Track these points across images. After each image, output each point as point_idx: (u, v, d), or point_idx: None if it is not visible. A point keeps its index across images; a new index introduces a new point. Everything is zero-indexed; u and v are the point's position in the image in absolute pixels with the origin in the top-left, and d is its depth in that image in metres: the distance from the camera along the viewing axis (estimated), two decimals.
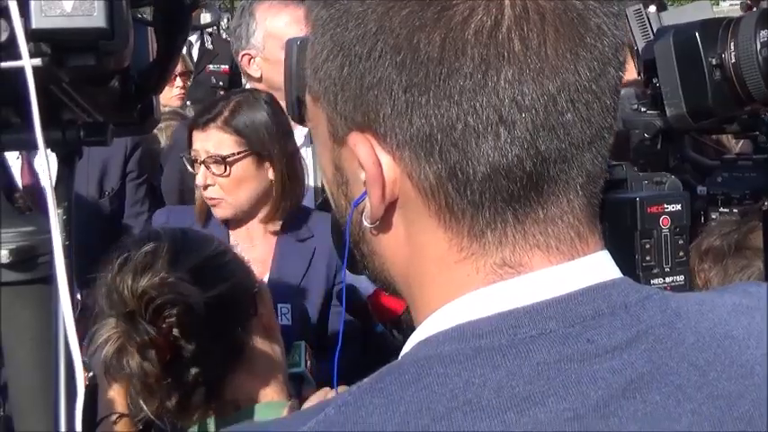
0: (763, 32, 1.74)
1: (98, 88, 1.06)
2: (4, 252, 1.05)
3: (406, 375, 0.70)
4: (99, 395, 1.69)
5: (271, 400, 1.78)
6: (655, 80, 2.04)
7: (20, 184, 3.01)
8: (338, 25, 0.73)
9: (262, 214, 2.76)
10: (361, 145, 0.73)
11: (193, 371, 1.73)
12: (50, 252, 0.95)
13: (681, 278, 1.15)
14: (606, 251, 0.76)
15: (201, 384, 1.75)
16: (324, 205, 2.98)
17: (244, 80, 3.62)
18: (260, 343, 1.81)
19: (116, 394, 1.74)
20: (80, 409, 0.94)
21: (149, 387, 1.70)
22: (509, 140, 0.69)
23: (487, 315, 0.71)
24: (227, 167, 2.68)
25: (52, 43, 0.91)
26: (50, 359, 1.02)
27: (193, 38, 5.82)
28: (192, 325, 1.70)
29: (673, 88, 1.87)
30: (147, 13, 1.15)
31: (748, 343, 0.74)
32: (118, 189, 3.70)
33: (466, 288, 0.73)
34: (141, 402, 1.71)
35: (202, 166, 2.70)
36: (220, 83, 4.02)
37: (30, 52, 0.89)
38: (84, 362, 0.98)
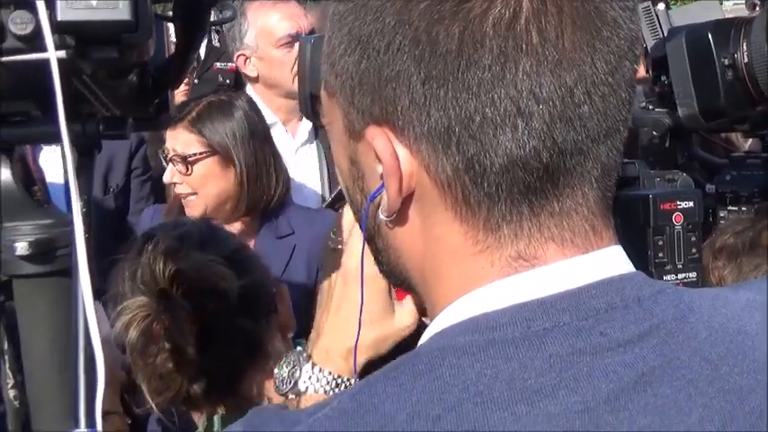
0: None
1: (117, 82, 1.07)
2: (24, 244, 1.07)
3: (420, 365, 0.71)
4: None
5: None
6: (663, 78, 2.06)
7: None
8: (356, 19, 0.74)
9: (227, 214, 2.80)
10: (379, 138, 0.74)
11: (217, 358, 1.72)
12: (70, 245, 0.96)
13: (693, 275, 1.17)
14: (620, 246, 0.77)
15: (223, 374, 1.74)
16: (330, 207, 2.99)
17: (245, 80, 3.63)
18: (277, 341, 1.81)
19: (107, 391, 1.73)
20: (100, 403, 0.95)
21: (170, 373, 1.68)
22: (526, 132, 0.71)
23: (502, 307, 0.72)
24: (189, 167, 2.75)
25: (76, 35, 0.92)
26: (68, 353, 1.04)
27: (206, 33, 5.75)
28: (222, 310, 1.69)
29: (685, 88, 1.88)
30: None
31: (761, 338, 0.75)
32: (123, 186, 3.69)
33: (481, 281, 0.74)
34: (151, 392, 1.69)
35: (170, 163, 2.78)
36: (227, 81, 4.01)
37: (54, 44, 0.90)
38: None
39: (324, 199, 3.26)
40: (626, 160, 1.32)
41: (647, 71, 2.26)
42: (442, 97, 0.71)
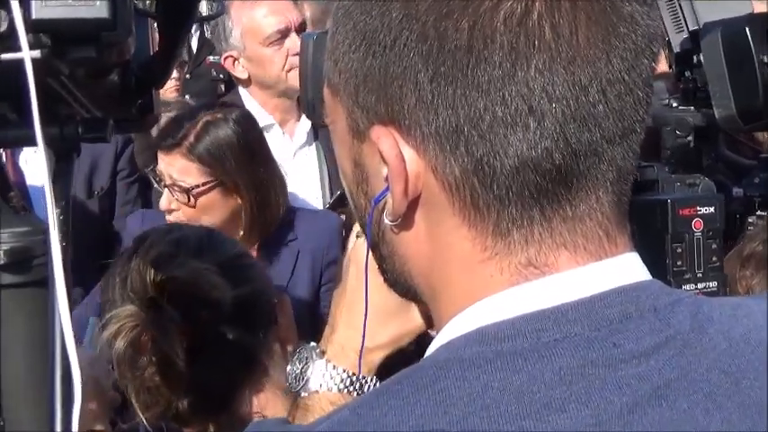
0: None
1: (97, 82, 1.08)
2: None
3: (424, 378, 0.72)
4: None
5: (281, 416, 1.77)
6: (687, 73, 2.05)
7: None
8: (362, 13, 0.75)
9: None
10: (384, 138, 0.75)
11: (208, 372, 1.71)
12: (46, 254, 0.96)
13: (714, 284, 1.17)
14: (636, 253, 0.77)
15: (215, 389, 1.73)
16: (332, 208, 3.00)
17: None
18: (276, 355, 1.80)
19: (95, 406, 1.72)
20: (77, 415, 0.96)
21: (158, 387, 1.67)
22: (538, 132, 0.71)
23: (511, 318, 0.73)
24: (192, 198, 2.71)
25: (52, 34, 0.93)
26: (46, 364, 1.04)
27: (192, 28, 5.79)
28: (215, 320, 1.69)
29: (722, 88, 1.85)
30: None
31: None
32: (108, 188, 3.68)
33: (489, 289, 0.74)
34: (140, 406, 1.68)
35: (167, 189, 2.73)
36: (221, 75, 4.01)
37: (29, 44, 0.90)
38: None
39: (324, 204, 3.25)
40: (644, 163, 1.32)
41: (670, 66, 2.25)
42: (450, 95, 0.71)
